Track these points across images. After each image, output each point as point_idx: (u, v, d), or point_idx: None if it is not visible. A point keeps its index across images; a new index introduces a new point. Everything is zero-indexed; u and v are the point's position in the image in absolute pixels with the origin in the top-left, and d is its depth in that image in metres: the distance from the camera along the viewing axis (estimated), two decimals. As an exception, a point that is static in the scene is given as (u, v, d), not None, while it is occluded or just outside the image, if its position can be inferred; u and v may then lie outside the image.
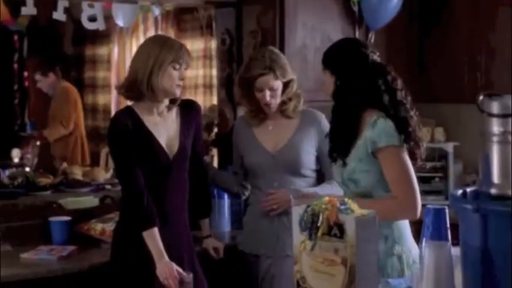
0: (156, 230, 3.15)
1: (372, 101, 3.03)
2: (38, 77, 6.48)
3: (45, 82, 6.44)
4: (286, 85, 3.49)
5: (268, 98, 3.44)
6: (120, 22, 4.40)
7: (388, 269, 2.96)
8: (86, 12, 4.29)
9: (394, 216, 2.97)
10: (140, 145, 3.20)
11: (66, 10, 4.22)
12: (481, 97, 1.79)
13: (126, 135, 3.18)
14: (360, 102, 3.02)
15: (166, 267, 3.10)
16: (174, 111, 3.35)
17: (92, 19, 4.32)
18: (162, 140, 3.26)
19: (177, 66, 3.20)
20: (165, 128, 3.29)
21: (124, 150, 3.19)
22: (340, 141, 3.05)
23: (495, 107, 1.76)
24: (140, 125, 3.22)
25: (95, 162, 6.23)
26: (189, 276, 3.06)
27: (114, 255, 3.32)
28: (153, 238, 3.14)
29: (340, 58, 3.11)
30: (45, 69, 6.47)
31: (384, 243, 2.99)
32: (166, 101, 3.28)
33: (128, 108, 3.30)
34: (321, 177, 3.57)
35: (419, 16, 4.97)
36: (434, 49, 4.85)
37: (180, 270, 3.11)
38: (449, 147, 4.82)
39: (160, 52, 3.17)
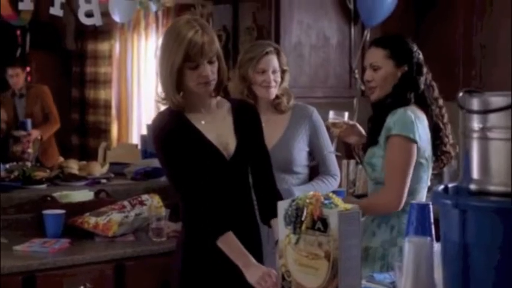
0: (231, 234, 2.71)
1: (420, 99, 3.14)
2: (17, 70, 6.46)
3: (21, 78, 6.48)
4: (283, 74, 3.51)
5: (271, 78, 3.44)
6: (116, 18, 4.41)
7: (389, 257, 3.03)
8: (82, 7, 4.32)
9: (377, 204, 3.09)
10: (190, 146, 2.79)
11: (68, 6, 4.24)
12: (460, 93, 1.80)
13: (173, 139, 2.77)
14: (418, 98, 3.13)
15: (262, 274, 2.58)
16: (226, 107, 2.92)
17: (89, 15, 4.34)
18: (213, 138, 2.83)
19: (193, 65, 2.71)
20: (214, 125, 2.85)
21: (174, 157, 2.77)
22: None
23: (475, 103, 1.76)
24: (186, 123, 2.82)
25: (93, 157, 6.28)
26: None
27: (183, 272, 2.90)
28: (230, 243, 2.71)
29: (410, 51, 3.18)
30: (22, 65, 6.50)
31: (390, 232, 3.06)
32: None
33: (169, 107, 2.84)
34: (314, 172, 3.58)
35: (415, 13, 4.98)
36: (430, 46, 4.86)
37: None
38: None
39: (170, 53, 2.71)
